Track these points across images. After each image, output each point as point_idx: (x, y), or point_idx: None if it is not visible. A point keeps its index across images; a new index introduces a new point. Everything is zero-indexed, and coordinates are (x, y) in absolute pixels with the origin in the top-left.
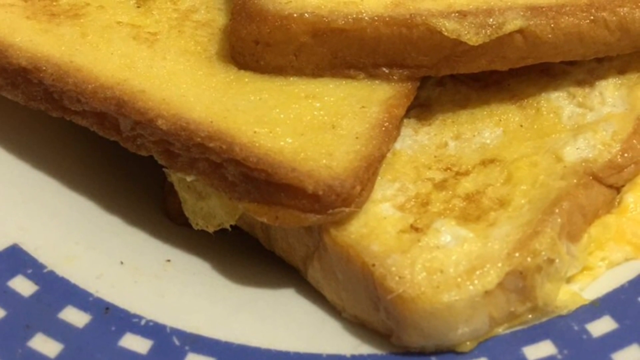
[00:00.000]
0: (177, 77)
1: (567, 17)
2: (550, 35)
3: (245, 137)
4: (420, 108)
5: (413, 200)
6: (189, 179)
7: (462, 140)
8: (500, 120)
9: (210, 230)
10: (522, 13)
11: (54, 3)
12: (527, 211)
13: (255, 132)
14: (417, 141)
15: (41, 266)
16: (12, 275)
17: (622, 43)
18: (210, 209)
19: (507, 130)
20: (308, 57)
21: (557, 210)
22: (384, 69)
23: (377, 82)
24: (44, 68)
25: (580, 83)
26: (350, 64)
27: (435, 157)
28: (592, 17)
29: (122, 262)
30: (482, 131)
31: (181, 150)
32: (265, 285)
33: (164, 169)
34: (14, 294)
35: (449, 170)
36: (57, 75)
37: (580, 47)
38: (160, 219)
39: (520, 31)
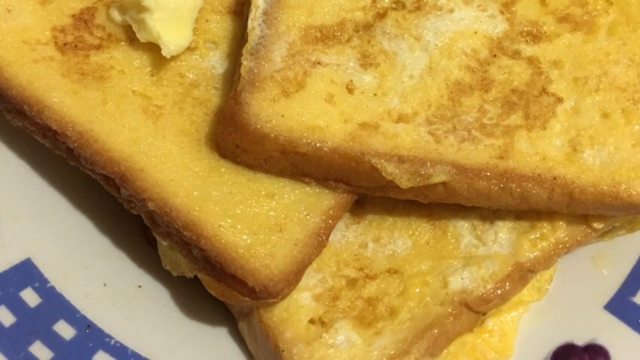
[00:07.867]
0: (170, 159)
1: (482, 182)
2: (465, 192)
3: (211, 230)
4: (357, 204)
5: (328, 292)
6: (164, 243)
7: (380, 245)
8: (414, 233)
9: (174, 274)
10: (447, 170)
11: (86, 60)
12: (406, 328)
13: (220, 225)
14: (345, 237)
15: (46, 281)
16: (24, 286)
17: (520, 206)
18: (177, 259)
19: (416, 245)
20: (274, 164)
21: (427, 336)
22: (332, 182)
23: (325, 190)
24: (69, 135)
25: (484, 218)
26: (305, 174)
27: (355, 255)
28: (501, 185)
29: (105, 284)
30: (397, 240)
31: (162, 224)
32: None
33: None
34: (23, 304)
35: (361, 271)
36: (78, 144)
37: (487, 202)
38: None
39: (443, 183)
